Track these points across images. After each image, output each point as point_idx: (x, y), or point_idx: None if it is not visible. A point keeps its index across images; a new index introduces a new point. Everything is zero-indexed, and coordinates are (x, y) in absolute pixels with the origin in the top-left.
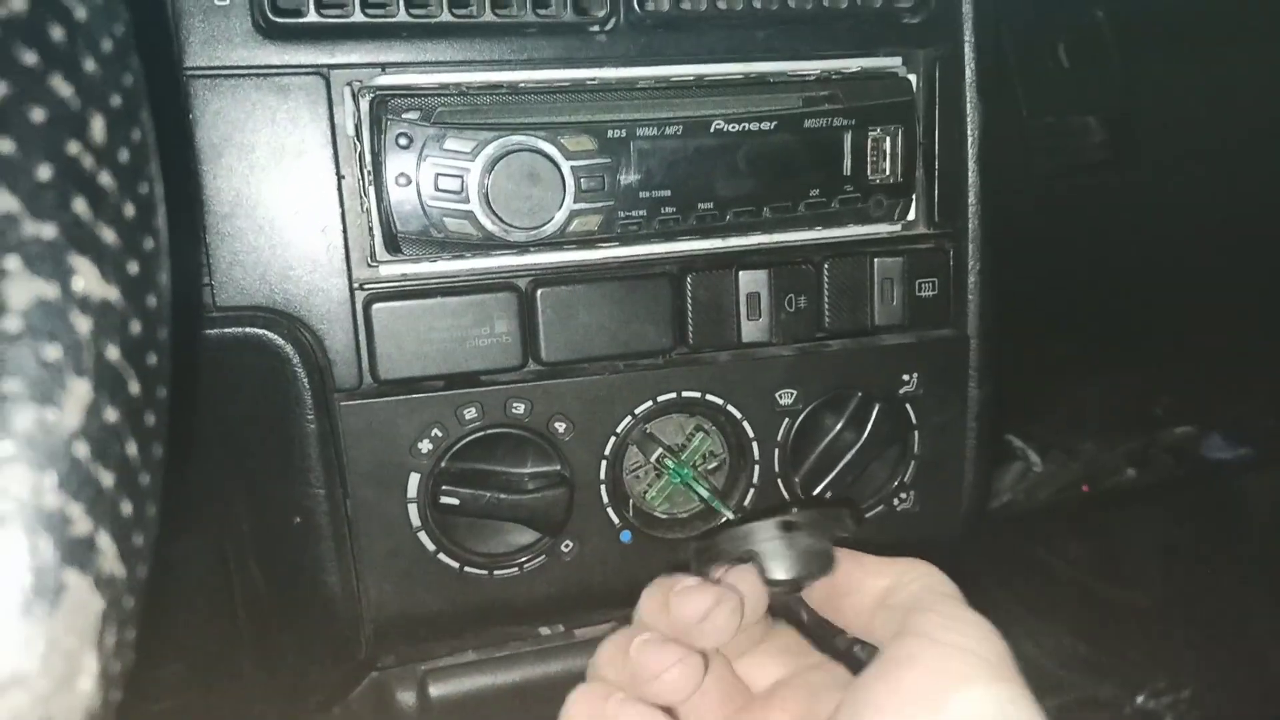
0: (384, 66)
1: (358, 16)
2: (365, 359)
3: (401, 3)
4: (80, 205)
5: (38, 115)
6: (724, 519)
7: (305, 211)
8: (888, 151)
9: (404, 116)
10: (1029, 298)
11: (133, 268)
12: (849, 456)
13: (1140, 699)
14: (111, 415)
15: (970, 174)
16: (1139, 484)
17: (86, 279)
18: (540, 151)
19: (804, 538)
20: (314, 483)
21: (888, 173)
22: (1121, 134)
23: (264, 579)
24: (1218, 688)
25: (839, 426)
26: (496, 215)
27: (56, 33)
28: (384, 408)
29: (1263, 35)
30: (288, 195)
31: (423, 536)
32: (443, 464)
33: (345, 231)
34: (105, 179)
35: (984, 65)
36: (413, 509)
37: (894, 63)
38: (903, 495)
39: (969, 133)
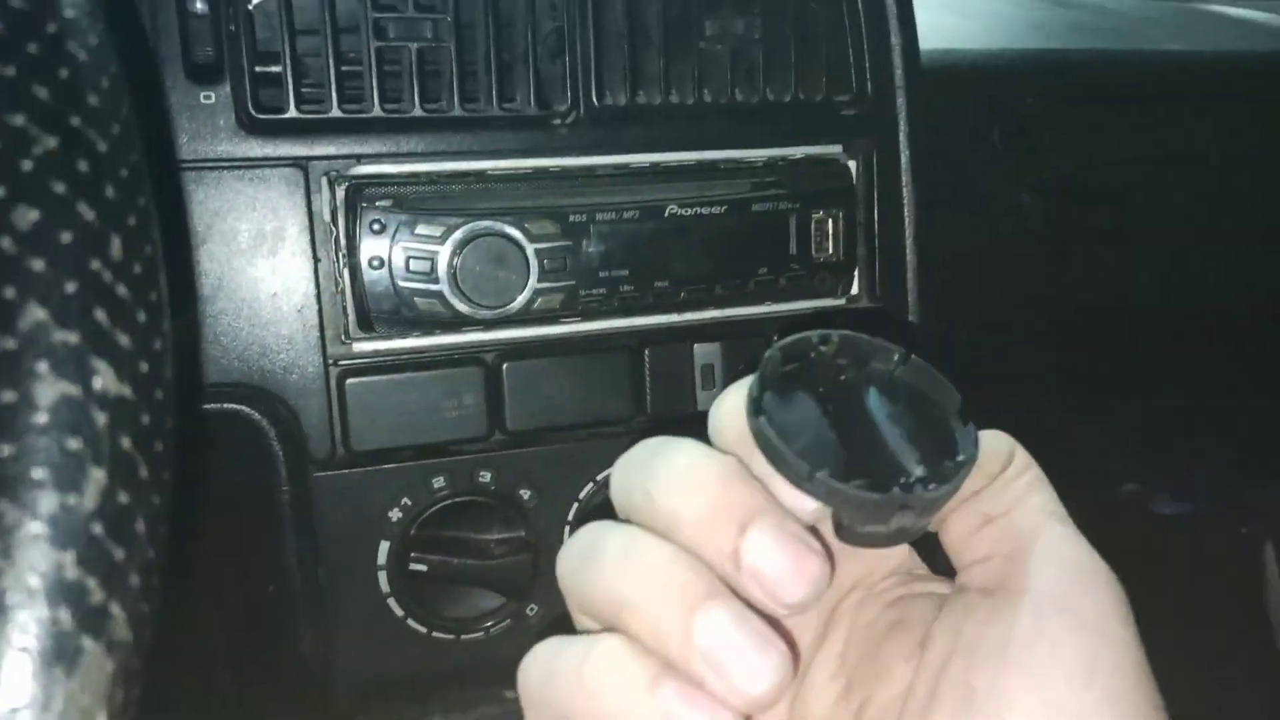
0: (359, 157)
1: (335, 113)
2: (339, 431)
3: (376, 99)
4: (100, 314)
5: (65, 237)
6: None
7: (283, 293)
8: (830, 232)
9: (377, 204)
10: (983, 359)
11: (143, 367)
12: None
13: None
14: (124, 498)
15: (908, 250)
16: (1091, 539)
17: (104, 379)
18: (506, 235)
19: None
20: (288, 550)
21: (831, 251)
22: (1056, 205)
23: (237, 640)
24: None
25: None
26: (465, 295)
27: (83, 165)
28: (356, 478)
29: (1187, 108)
30: (267, 278)
31: (392, 602)
32: (412, 531)
33: (320, 311)
34: (121, 290)
35: (918, 151)
36: (383, 576)
37: (835, 150)
38: None
39: (905, 213)
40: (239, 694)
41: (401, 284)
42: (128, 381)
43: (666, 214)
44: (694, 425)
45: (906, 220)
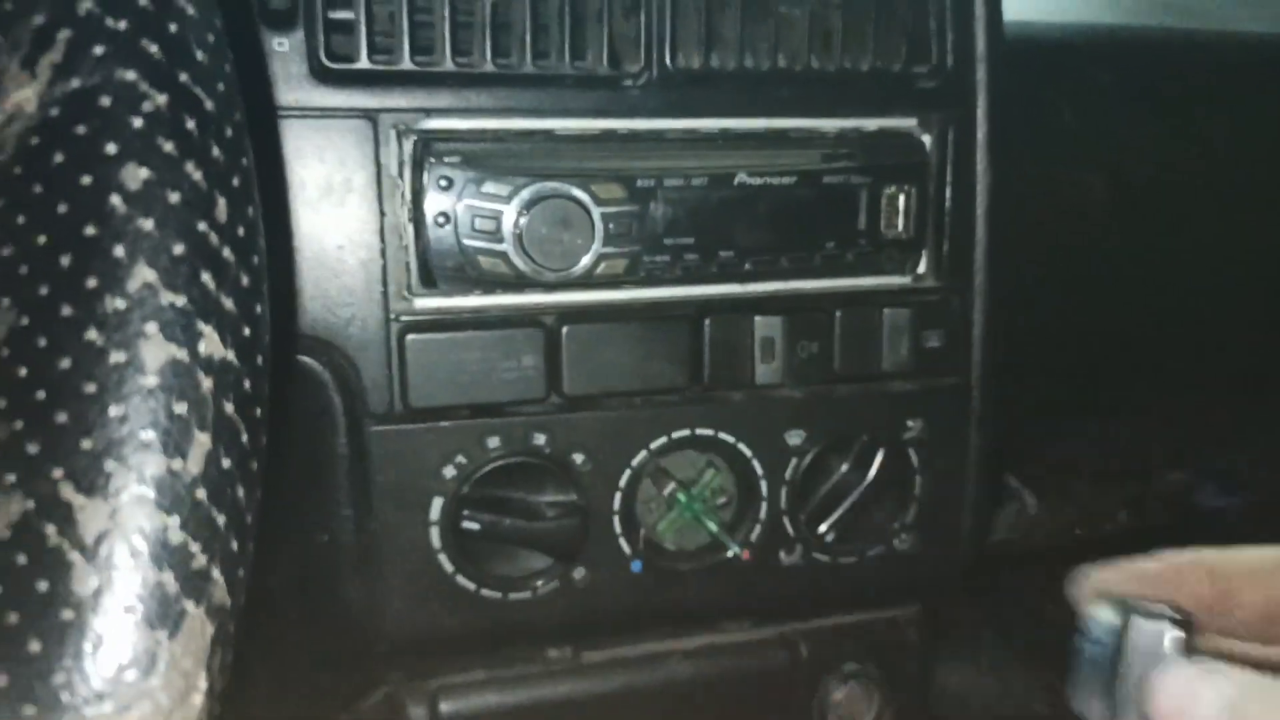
0: (429, 111)
1: (406, 65)
2: (398, 387)
3: (448, 52)
4: (207, 277)
5: (174, 197)
6: (731, 553)
7: (348, 246)
8: (901, 208)
9: (445, 160)
10: (1032, 343)
11: (246, 331)
12: (853, 497)
13: None
14: (226, 463)
15: (979, 231)
16: (1132, 529)
17: (210, 343)
18: (573, 198)
19: None
20: (342, 502)
21: (900, 228)
22: (1123, 189)
23: (284, 590)
24: None
25: (845, 468)
26: (529, 256)
27: (190, 123)
28: (413, 434)
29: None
30: (333, 230)
31: (442, 558)
32: (465, 490)
33: (385, 266)
34: (227, 254)
35: (995, 128)
36: (434, 532)
37: (910, 123)
38: (903, 536)
39: (979, 192)
40: (274, 643)
41: (466, 242)
42: (231, 346)
43: (735, 182)
44: (748, 401)
45: (979, 199)
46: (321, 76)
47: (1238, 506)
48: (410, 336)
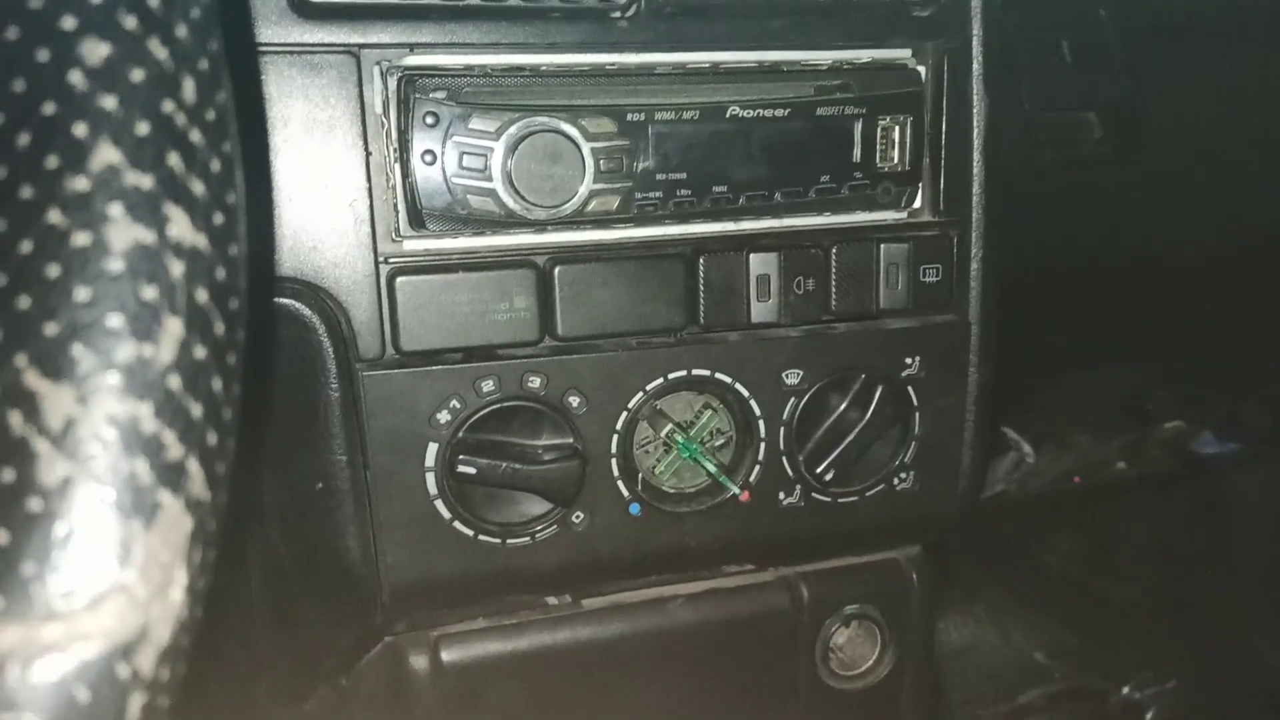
0: (412, 47)
1: None
2: (388, 330)
3: None
4: (174, 159)
5: (137, 75)
6: (730, 494)
7: (334, 186)
8: (896, 140)
9: (431, 95)
10: (1028, 289)
11: (218, 218)
12: (851, 436)
13: (1126, 690)
14: (200, 353)
15: (975, 164)
16: (1130, 477)
17: (179, 227)
18: (562, 132)
19: None
20: (336, 450)
21: (896, 161)
22: (1122, 129)
23: (283, 543)
24: (1203, 680)
25: (843, 406)
26: (518, 193)
27: (153, 1)
28: (405, 378)
29: (1266, 32)
30: (318, 170)
31: (439, 504)
32: (460, 434)
33: (372, 207)
34: (195, 136)
35: (991, 59)
36: (430, 478)
37: (904, 54)
38: (902, 475)
39: (975, 124)
40: (274, 600)
41: (454, 180)
42: (203, 231)
43: (727, 115)
44: (745, 340)
45: (975, 132)
46: (302, 11)
47: (1235, 454)
48: (400, 279)
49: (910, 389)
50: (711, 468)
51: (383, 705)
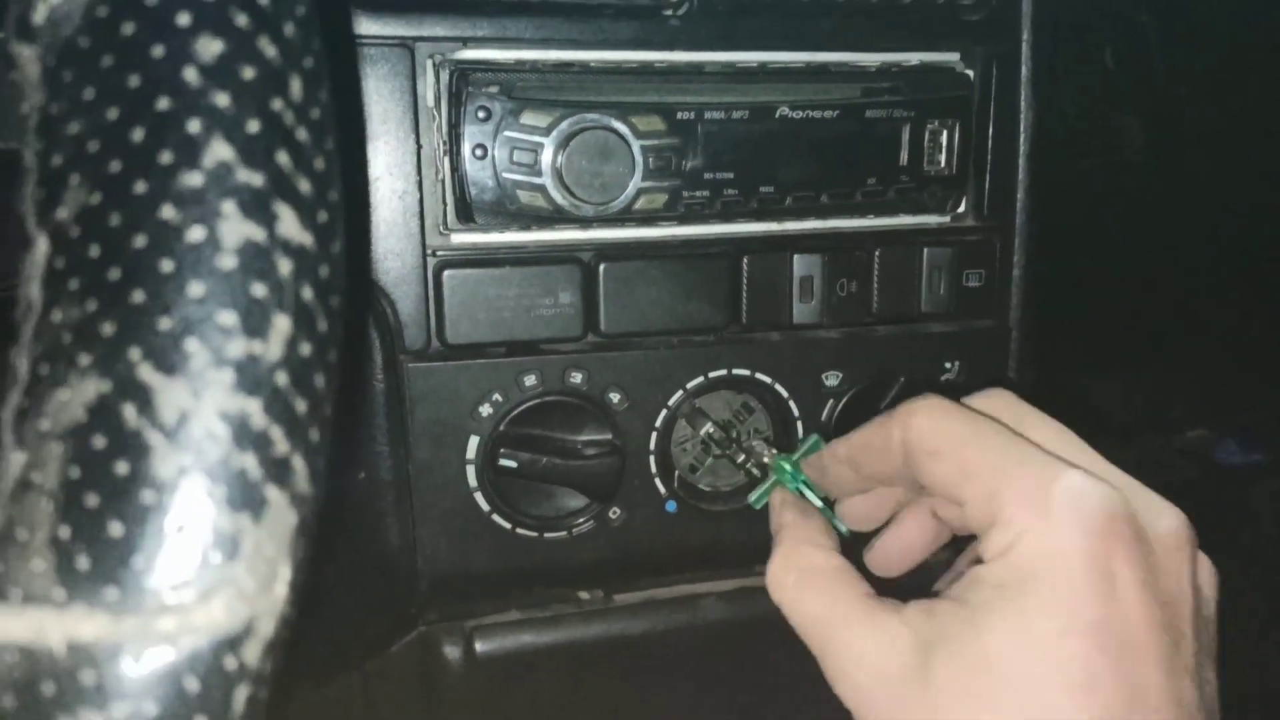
0: (466, 41)
1: None
2: (433, 323)
3: None
4: (283, 157)
5: (248, 73)
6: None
7: (385, 178)
8: (944, 144)
9: (484, 90)
10: (1059, 294)
11: (323, 216)
12: None
13: None
14: (305, 349)
15: (1020, 170)
16: (1151, 484)
17: (288, 224)
18: (613, 130)
19: None
20: (379, 440)
21: (942, 165)
22: (1162, 136)
23: (324, 526)
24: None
25: (881, 409)
26: (568, 190)
27: None
28: (449, 371)
29: None
30: (369, 161)
31: (478, 497)
32: (501, 428)
33: (421, 199)
34: (302, 134)
35: (1040, 64)
36: (470, 470)
37: (953, 58)
38: None
39: (1021, 129)
40: (324, 582)
41: (504, 175)
42: (309, 230)
43: (777, 116)
44: (786, 341)
45: (1022, 137)
46: (358, 2)
47: (1257, 464)
48: (447, 272)
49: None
50: (818, 502)
51: (410, 693)
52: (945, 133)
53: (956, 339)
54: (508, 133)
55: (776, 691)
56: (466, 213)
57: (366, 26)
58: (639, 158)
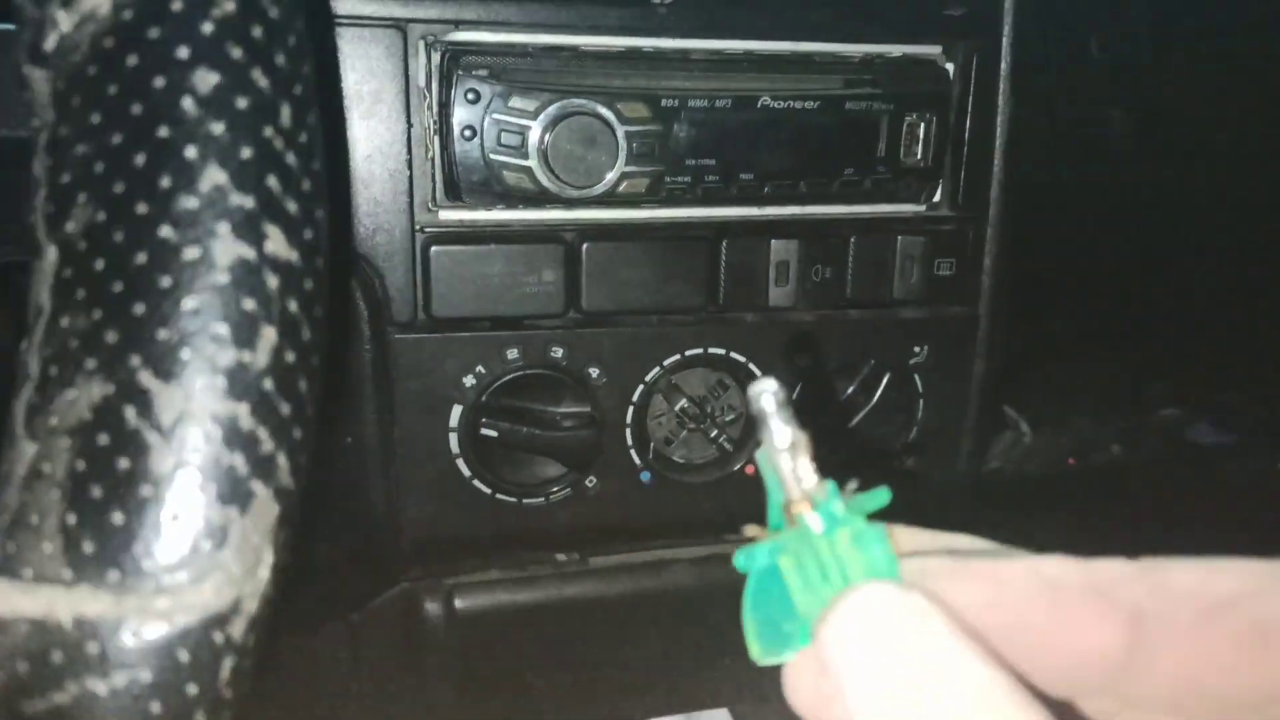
0: (458, 23)
1: None
2: (421, 297)
3: None
4: (273, 181)
5: (242, 103)
6: (737, 468)
7: (376, 156)
8: (921, 136)
9: (474, 73)
10: (1040, 276)
11: (308, 234)
12: (858, 418)
13: None
14: (290, 357)
15: (996, 162)
16: (1125, 462)
17: (276, 243)
18: (598, 115)
19: None
20: (366, 407)
21: (919, 156)
22: (1146, 125)
23: (312, 489)
24: None
25: (851, 390)
26: (553, 172)
27: (257, 31)
28: (434, 343)
29: None
30: (361, 140)
31: (460, 463)
32: (483, 398)
33: (411, 177)
34: (291, 159)
35: (1019, 60)
36: (453, 438)
37: (934, 51)
38: (905, 458)
39: (999, 123)
40: (311, 541)
41: (491, 156)
42: (295, 248)
43: (759, 105)
44: (761, 322)
45: (999, 130)
46: None
47: (1230, 444)
48: (434, 248)
49: (917, 376)
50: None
51: (393, 644)
52: (923, 125)
53: (926, 324)
54: (496, 115)
55: (741, 654)
56: (455, 191)
57: (361, 7)
58: (623, 143)
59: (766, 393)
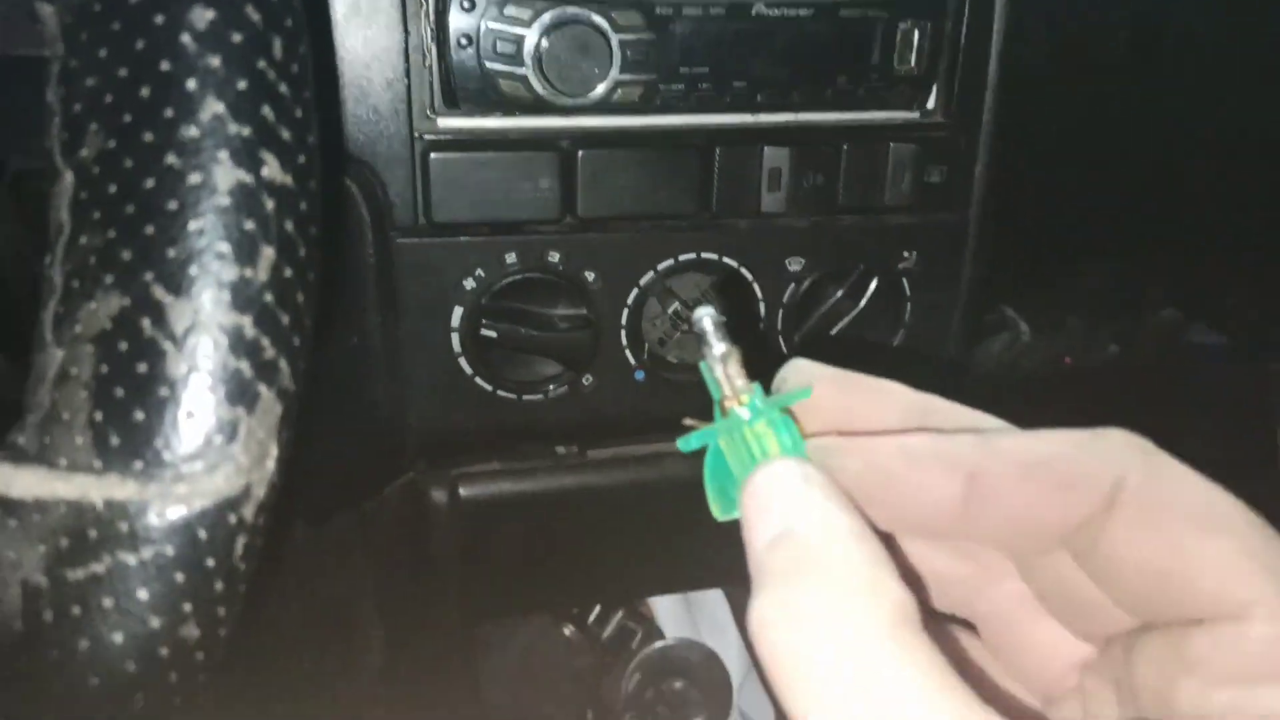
0: None
1: None
2: (421, 202)
3: None
4: (267, 110)
5: (237, 37)
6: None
7: (374, 65)
8: (915, 44)
9: None
10: (1038, 185)
11: (301, 159)
12: (845, 321)
13: None
14: (288, 272)
15: (991, 70)
16: (1121, 363)
17: (271, 169)
18: (592, 24)
19: None
20: (370, 308)
21: (913, 64)
22: (1147, 40)
23: (321, 386)
24: None
25: (839, 294)
26: (547, 80)
27: None
28: (435, 247)
29: None
30: (359, 49)
31: (462, 362)
32: (483, 300)
33: (409, 86)
34: (283, 89)
35: None
36: (455, 337)
37: None
38: (891, 360)
39: (995, 31)
40: (320, 436)
41: (488, 64)
42: (290, 172)
43: (753, 13)
44: (753, 228)
45: (995, 37)
46: None
47: (1226, 345)
48: (433, 155)
49: (904, 281)
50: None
51: (403, 532)
52: (918, 32)
53: (916, 230)
54: (491, 23)
55: (730, 539)
56: (452, 99)
57: None
58: (617, 51)
59: (706, 316)
